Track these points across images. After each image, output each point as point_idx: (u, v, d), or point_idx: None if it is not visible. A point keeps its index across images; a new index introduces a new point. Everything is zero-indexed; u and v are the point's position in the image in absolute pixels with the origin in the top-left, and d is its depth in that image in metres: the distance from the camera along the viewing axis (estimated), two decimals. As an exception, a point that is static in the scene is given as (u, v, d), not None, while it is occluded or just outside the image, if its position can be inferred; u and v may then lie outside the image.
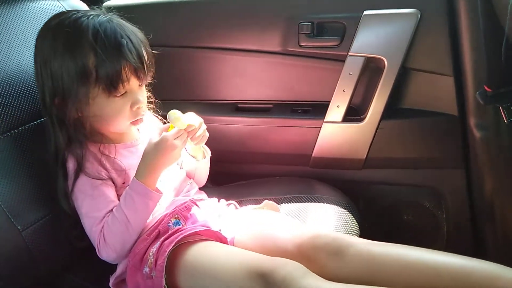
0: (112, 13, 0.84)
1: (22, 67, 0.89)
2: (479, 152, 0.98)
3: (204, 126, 0.88)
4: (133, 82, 0.79)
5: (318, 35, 1.08)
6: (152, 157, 0.79)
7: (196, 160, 0.94)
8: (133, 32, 0.81)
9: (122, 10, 0.87)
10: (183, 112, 0.84)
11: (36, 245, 0.81)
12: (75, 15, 0.80)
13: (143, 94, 0.84)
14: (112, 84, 0.77)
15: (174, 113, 0.82)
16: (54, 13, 0.98)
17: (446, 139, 1.07)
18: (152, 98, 0.94)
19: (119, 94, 0.79)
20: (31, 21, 0.95)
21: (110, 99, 0.78)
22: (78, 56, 0.76)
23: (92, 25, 0.77)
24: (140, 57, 0.79)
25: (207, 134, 0.89)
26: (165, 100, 0.97)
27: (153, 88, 0.91)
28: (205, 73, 1.21)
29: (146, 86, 0.86)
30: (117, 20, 0.81)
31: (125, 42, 0.77)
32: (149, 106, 0.94)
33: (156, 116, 0.98)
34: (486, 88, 0.81)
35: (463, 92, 0.98)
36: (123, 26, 0.80)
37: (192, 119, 0.85)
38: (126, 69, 0.77)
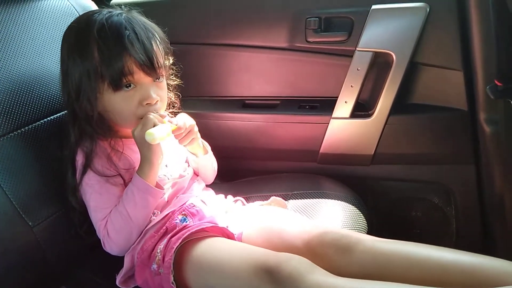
0: (135, 10, 0.83)
1: (32, 65, 0.89)
2: (489, 147, 0.97)
3: (195, 128, 0.87)
4: (141, 76, 0.78)
5: (326, 30, 1.08)
6: (142, 154, 0.79)
7: (197, 157, 0.94)
8: (144, 26, 0.79)
9: (129, 8, 0.87)
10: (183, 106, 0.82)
11: (47, 241, 0.82)
12: (91, 13, 0.81)
13: (158, 91, 0.81)
14: (114, 77, 0.76)
15: (150, 134, 0.75)
16: (63, 12, 1.00)
17: (455, 134, 1.05)
18: (177, 100, 0.93)
19: (125, 88, 0.78)
20: (41, 19, 0.95)
21: (117, 94, 0.78)
22: (84, 53, 0.77)
23: (99, 20, 0.77)
24: (146, 50, 0.77)
25: (197, 136, 0.88)
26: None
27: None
28: (212, 70, 1.21)
29: (169, 86, 0.85)
30: (130, 14, 0.80)
31: (128, 33, 0.76)
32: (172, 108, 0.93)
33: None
34: (496, 82, 0.79)
35: (473, 86, 0.97)
36: (133, 19, 0.79)
37: (180, 120, 0.83)
38: (128, 62, 0.76)
